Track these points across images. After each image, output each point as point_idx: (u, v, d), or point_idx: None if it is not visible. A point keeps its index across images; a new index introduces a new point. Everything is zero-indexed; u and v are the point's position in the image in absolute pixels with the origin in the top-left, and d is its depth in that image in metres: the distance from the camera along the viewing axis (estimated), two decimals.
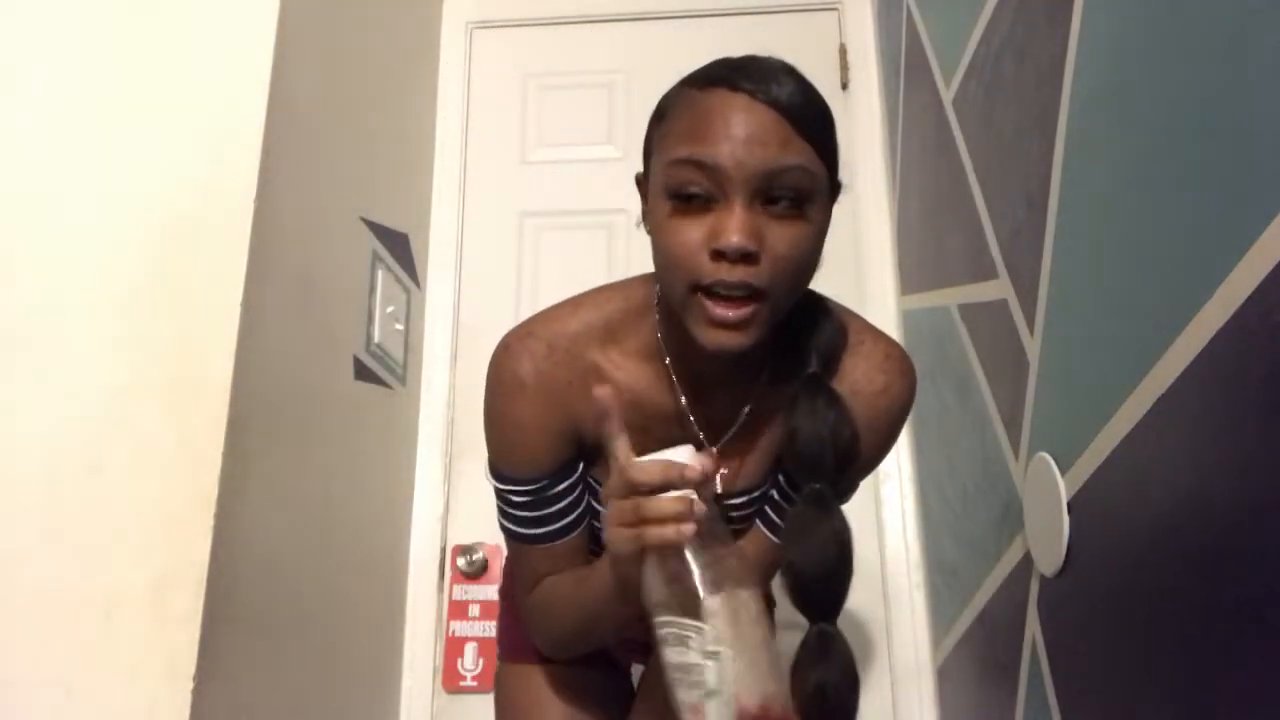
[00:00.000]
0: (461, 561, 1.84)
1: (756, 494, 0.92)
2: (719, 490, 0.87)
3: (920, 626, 1.76)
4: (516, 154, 2.14)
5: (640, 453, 0.73)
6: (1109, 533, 0.89)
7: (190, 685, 1.05)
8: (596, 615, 0.86)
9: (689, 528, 0.68)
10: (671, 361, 0.85)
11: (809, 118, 0.74)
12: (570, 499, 0.89)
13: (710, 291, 0.72)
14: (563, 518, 0.89)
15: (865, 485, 1.87)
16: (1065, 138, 0.99)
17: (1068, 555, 0.98)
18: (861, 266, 1.97)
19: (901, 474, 1.85)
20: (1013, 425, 1.17)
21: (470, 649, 1.82)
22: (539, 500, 0.88)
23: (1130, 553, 0.84)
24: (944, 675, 1.66)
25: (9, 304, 1.21)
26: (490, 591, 1.83)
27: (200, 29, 1.31)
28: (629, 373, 0.86)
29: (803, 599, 0.79)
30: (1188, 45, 0.74)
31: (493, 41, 2.23)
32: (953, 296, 1.48)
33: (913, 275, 1.79)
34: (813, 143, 0.74)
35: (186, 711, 1.05)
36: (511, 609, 1.15)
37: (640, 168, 0.85)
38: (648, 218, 0.80)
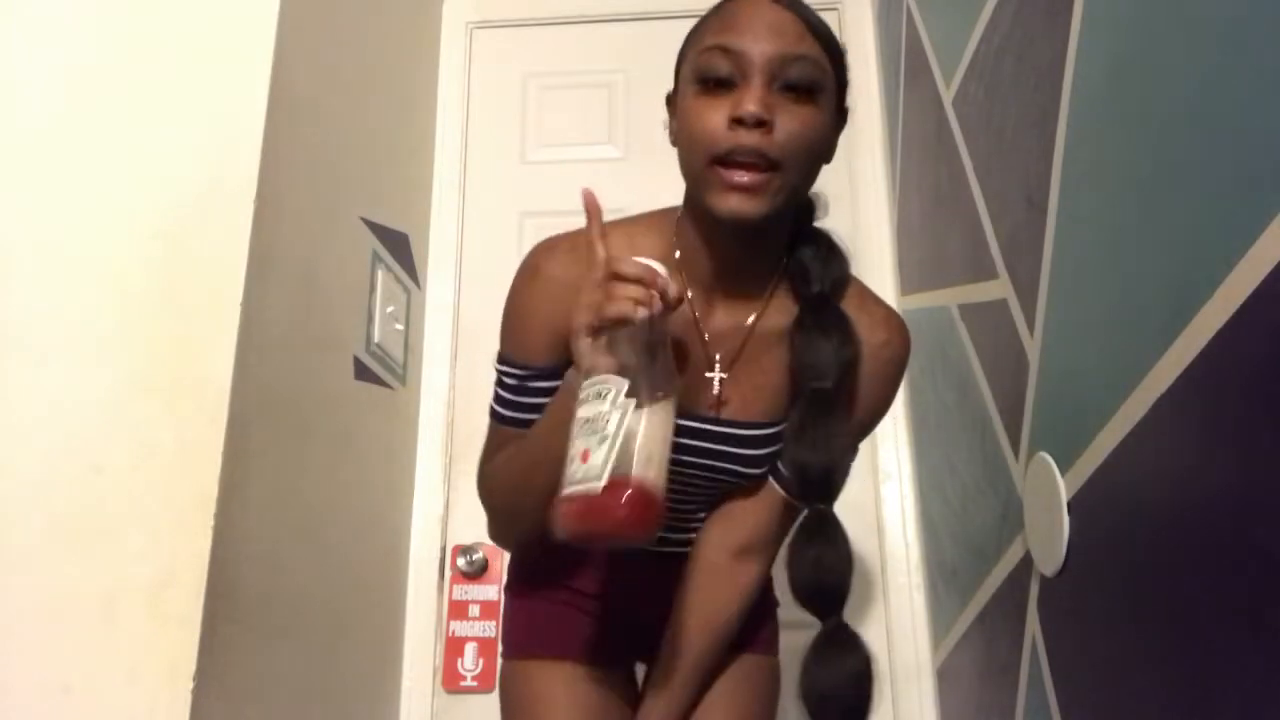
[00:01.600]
0: (461, 561, 1.84)
1: (763, 433, 0.94)
2: (720, 400, 0.94)
3: (920, 626, 1.76)
4: (516, 154, 2.14)
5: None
6: (1109, 533, 0.89)
7: (190, 685, 1.05)
8: (536, 454, 0.88)
9: (645, 309, 0.74)
10: (684, 266, 0.92)
11: (823, 30, 0.85)
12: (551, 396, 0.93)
13: (727, 161, 0.80)
14: (539, 411, 0.92)
15: (865, 486, 1.88)
16: (1065, 138, 0.99)
17: (1068, 555, 0.98)
18: (861, 266, 1.96)
19: (901, 474, 1.85)
20: (1013, 425, 1.17)
21: (470, 649, 1.82)
22: (524, 388, 0.94)
23: (1130, 553, 0.84)
24: (944, 675, 1.66)
25: (9, 304, 1.21)
26: (490, 591, 1.83)
27: (200, 29, 1.31)
28: (643, 244, 0.92)
29: (803, 484, 0.87)
30: (1188, 45, 0.74)
31: (493, 41, 2.22)
32: (953, 296, 1.48)
33: (913, 275, 1.79)
34: (824, 46, 0.84)
35: (186, 711, 1.05)
36: (515, 605, 1.14)
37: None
38: (675, 123, 0.89)
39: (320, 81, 1.48)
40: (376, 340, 1.70)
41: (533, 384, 0.93)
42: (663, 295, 0.76)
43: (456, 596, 1.84)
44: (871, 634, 1.79)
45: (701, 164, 0.82)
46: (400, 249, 1.87)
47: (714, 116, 0.80)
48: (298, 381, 1.37)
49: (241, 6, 1.32)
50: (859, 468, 1.86)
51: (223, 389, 1.16)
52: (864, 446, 1.98)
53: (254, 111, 1.27)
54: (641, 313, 0.74)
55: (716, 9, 0.88)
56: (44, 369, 1.18)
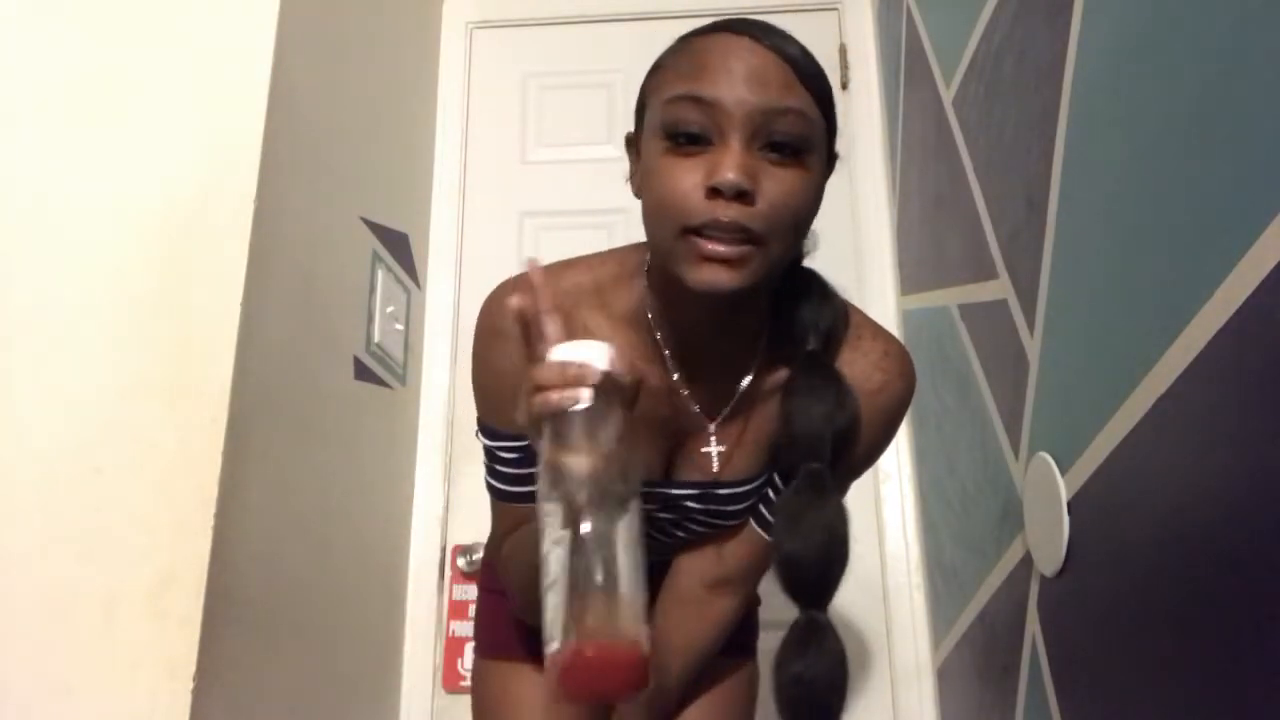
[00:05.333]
0: (461, 561, 1.84)
1: (752, 487, 0.88)
2: (715, 472, 0.85)
3: (920, 627, 1.76)
4: (516, 154, 2.14)
5: (647, 422, 0.70)
6: (1109, 533, 0.89)
7: (190, 685, 1.05)
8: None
9: (573, 394, 0.62)
10: (660, 331, 0.81)
11: (811, 71, 0.72)
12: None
13: (702, 232, 0.68)
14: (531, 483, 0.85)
15: (865, 485, 1.87)
16: (1065, 138, 0.99)
17: (1068, 555, 0.98)
18: (861, 266, 1.97)
19: (901, 474, 1.85)
20: (1013, 425, 1.17)
21: (470, 649, 1.82)
22: (524, 459, 0.83)
23: (1130, 553, 0.84)
24: (944, 675, 1.66)
25: (9, 304, 1.21)
26: None
27: (200, 29, 1.31)
28: (616, 339, 0.79)
29: (793, 585, 0.74)
30: (1188, 45, 0.74)
31: (493, 41, 2.23)
32: (953, 296, 1.48)
33: (913, 275, 1.79)
34: (814, 94, 0.72)
35: (186, 711, 1.04)
36: (489, 602, 1.13)
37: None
38: (637, 171, 0.77)
39: (320, 81, 1.48)
40: (376, 340, 1.70)
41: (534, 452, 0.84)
42: (606, 384, 0.64)
43: (456, 596, 1.84)
44: (872, 634, 1.80)
45: (672, 234, 0.70)
46: (400, 249, 1.87)
47: (686, 181, 0.69)
48: (298, 382, 1.37)
49: (241, 6, 1.32)
50: None
51: (223, 389, 1.15)
52: None
53: (254, 111, 1.27)
54: (570, 396, 0.63)
55: (684, 43, 0.75)
56: (44, 369, 1.18)
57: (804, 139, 0.71)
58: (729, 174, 0.67)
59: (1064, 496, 0.98)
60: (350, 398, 1.59)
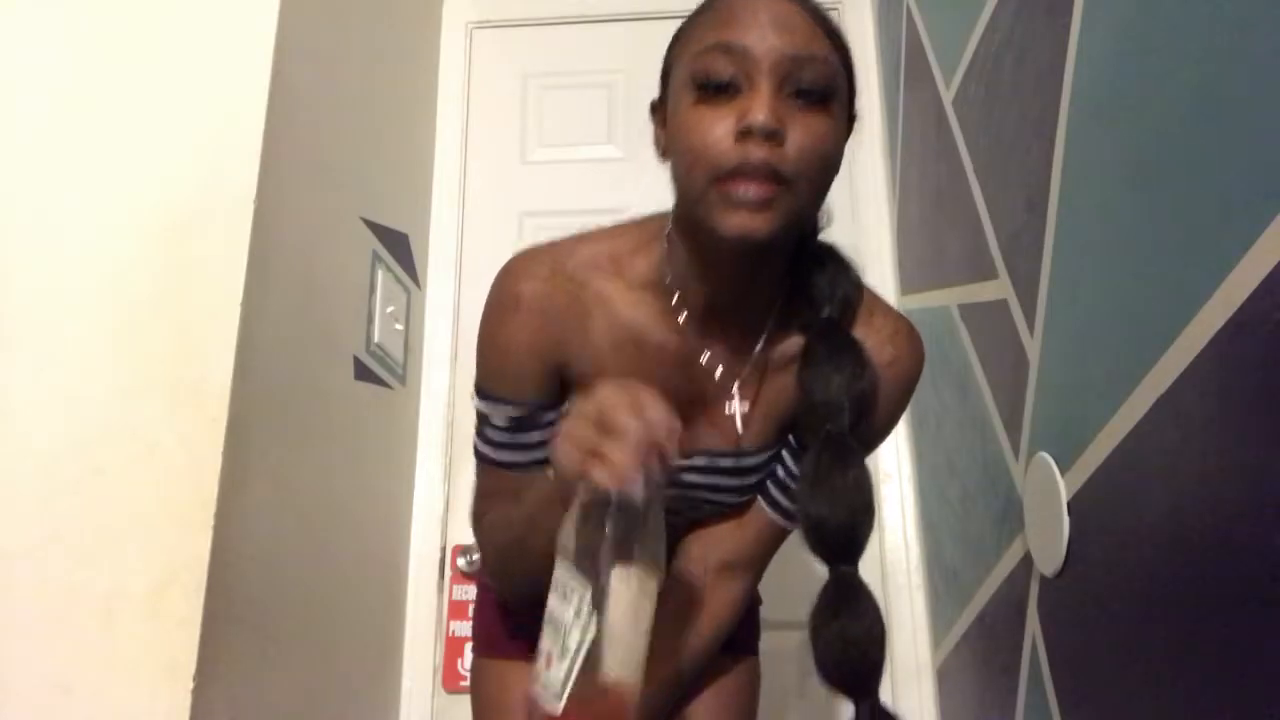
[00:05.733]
0: (461, 561, 1.84)
1: (763, 458, 0.88)
2: (736, 450, 0.85)
3: (920, 626, 1.76)
4: (516, 154, 2.14)
5: (659, 384, 0.69)
6: (1109, 533, 0.89)
7: (190, 685, 1.05)
8: (526, 530, 0.81)
9: (633, 485, 0.63)
10: (678, 292, 0.81)
11: (831, 25, 0.76)
12: (548, 432, 0.84)
13: (734, 176, 0.70)
14: (537, 449, 0.85)
15: None
16: (1065, 138, 0.99)
17: (1068, 555, 0.98)
18: (861, 266, 1.97)
19: (901, 474, 1.85)
20: (1013, 425, 1.17)
21: (470, 649, 1.82)
22: (516, 427, 0.85)
23: (1130, 553, 0.84)
24: (944, 675, 1.66)
25: (9, 304, 1.21)
26: None
27: (200, 29, 1.31)
28: (632, 304, 0.83)
29: (823, 544, 0.76)
30: (1188, 45, 0.74)
31: (493, 41, 2.23)
32: (953, 296, 1.48)
33: (913, 275, 1.79)
34: (835, 46, 0.75)
35: (186, 711, 1.05)
36: (488, 600, 1.12)
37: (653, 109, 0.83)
38: (663, 135, 0.79)
39: (320, 82, 1.48)
40: (376, 340, 1.70)
41: (528, 421, 0.85)
42: (662, 458, 0.64)
43: (456, 596, 1.84)
44: None
45: (704, 182, 0.71)
46: (400, 249, 1.87)
47: (717, 128, 0.70)
48: (298, 381, 1.37)
49: (241, 6, 1.32)
50: None
51: (223, 389, 1.15)
52: None
53: (254, 111, 1.27)
54: (630, 486, 0.63)
55: (708, 3, 0.77)
56: (44, 369, 1.18)
57: (830, 86, 0.73)
58: (760, 115, 0.69)
59: (1064, 496, 0.98)
60: (350, 398, 1.59)
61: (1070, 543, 0.97)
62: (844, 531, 0.76)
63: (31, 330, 1.20)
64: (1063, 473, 0.99)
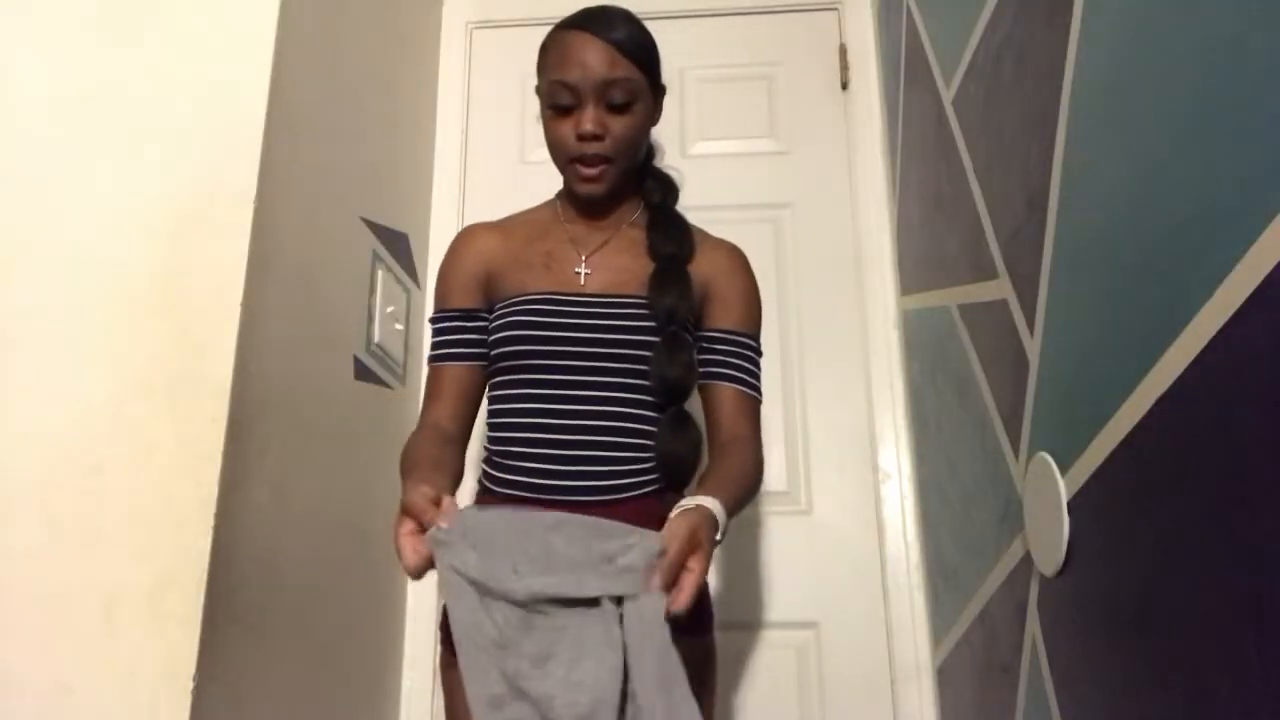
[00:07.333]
0: None
1: (633, 300, 1.16)
2: (580, 293, 1.16)
3: (920, 626, 1.76)
4: (516, 154, 2.14)
5: (536, 262, 1.18)
6: (1109, 533, 0.89)
7: (190, 685, 1.05)
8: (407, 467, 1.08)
9: (411, 561, 0.87)
10: (563, 210, 1.25)
11: (631, 46, 1.14)
12: (466, 335, 1.19)
13: (579, 162, 1.15)
14: (455, 346, 1.19)
15: (865, 485, 1.87)
16: (1065, 138, 0.99)
17: (1068, 555, 0.98)
18: (861, 266, 1.97)
19: (901, 474, 1.85)
20: (1013, 425, 1.17)
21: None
22: (447, 328, 1.20)
23: (1130, 553, 0.84)
24: (944, 675, 1.66)
25: (9, 304, 1.21)
26: None
27: (200, 29, 1.31)
28: (538, 214, 1.27)
29: (666, 393, 1.13)
30: (1188, 45, 0.74)
31: (493, 41, 2.22)
32: (953, 296, 1.48)
33: (913, 275, 1.79)
34: (635, 62, 1.14)
35: (186, 712, 1.05)
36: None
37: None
38: (541, 115, 1.20)
39: (320, 82, 1.48)
40: (376, 340, 1.70)
41: (454, 324, 1.20)
42: (428, 522, 0.89)
43: None
44: (872, 634, 1.79)
45: (563, 163, 1.18)
46: (400, 249, 1.87)
47: (565, 130, 1.15)
48: (298, 381, 1.37)
49: (241, 6, 1.32)
50: (859, 467, 1.87)
51: (223, 389, 1.16)
52: (864, 446, 1.97)
53: (254, 111, 1.27)
54: (410, 571, 0.88)
55: (555, 39, 1.19)
56: (44, 369, 1.18)
57: (631, 93, 1.14)
58: (586, 126, 1.13)
59: (1064, 496, 0.98)
60: (350, 398, 1.59)
61: (1070, 543, 0.97)
62: (679, 382, 1.13)
63: (31, 330, 1.20)
64: (1063, 473, 0.99)
